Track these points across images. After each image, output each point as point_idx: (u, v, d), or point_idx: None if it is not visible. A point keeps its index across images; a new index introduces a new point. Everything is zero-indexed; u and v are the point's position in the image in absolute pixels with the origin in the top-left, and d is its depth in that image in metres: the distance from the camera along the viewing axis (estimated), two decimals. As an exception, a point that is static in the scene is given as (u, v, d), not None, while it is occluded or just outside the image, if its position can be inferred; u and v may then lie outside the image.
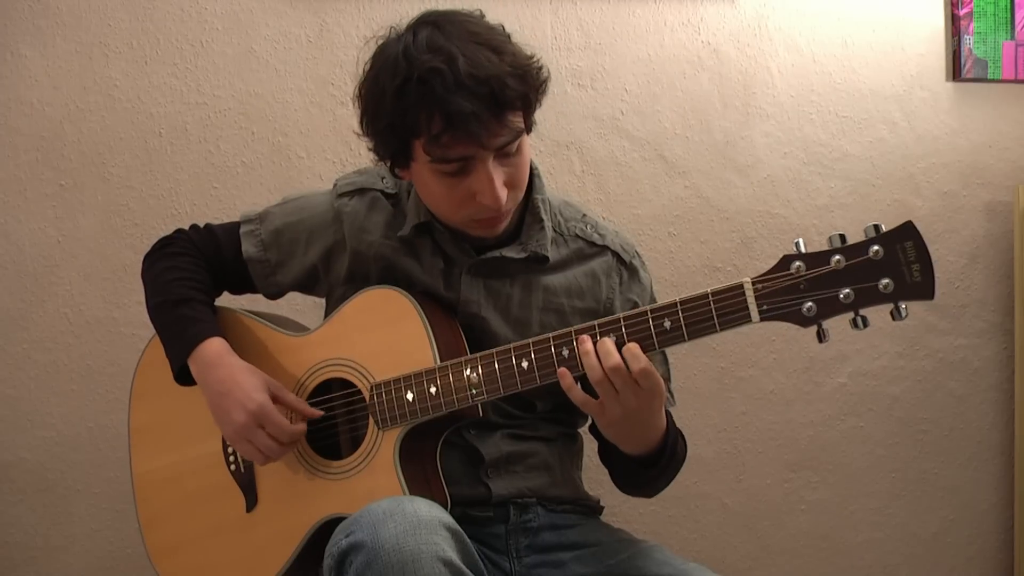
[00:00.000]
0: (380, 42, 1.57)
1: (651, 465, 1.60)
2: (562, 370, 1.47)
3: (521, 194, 1.62)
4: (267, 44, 2.36)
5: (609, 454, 1.72)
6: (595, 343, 1.45)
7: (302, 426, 1.63)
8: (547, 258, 1.68)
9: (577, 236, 1.73)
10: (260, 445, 1.61)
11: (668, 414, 1.60)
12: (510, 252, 1.66)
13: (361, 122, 1.58)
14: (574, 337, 1.47)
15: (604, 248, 1.74)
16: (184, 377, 1.69)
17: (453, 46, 1.47)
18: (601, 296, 1.72)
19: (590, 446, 1.80)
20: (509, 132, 1.51)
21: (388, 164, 1.62)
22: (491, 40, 1.51)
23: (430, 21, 1.52)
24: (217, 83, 2.35)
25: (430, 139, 1.48)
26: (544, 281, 1.69)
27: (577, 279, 1.71)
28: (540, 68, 1.55)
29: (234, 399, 1.61)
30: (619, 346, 1.44)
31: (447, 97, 1.44)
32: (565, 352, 1.48)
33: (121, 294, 2.33)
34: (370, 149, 1.60)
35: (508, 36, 1.55)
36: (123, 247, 2.33)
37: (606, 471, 1.76)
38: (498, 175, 1.52)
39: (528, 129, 1.58)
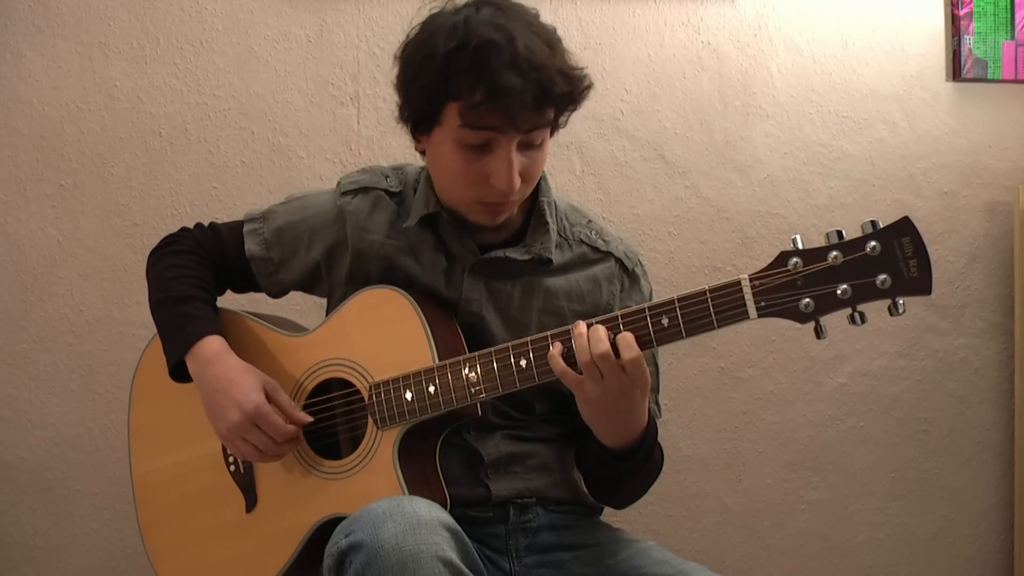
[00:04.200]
0: (433, 10, 1.58)
1: (624, 459, 1.59)
2: (555, 343, 1.49)
3: (531, 189, 1.63)
4: (267, 44, 2.36)
5: (585, 453, 1.71)
6: (589, 329, 1.46)
7: (296, 428, 1.64)
8: (550, 260, 1.68)
9: (581, 241, 1.73)
10: (255, 443, 1.61)
11: (652, 420, 1.60)
12: (514, 253, 1.66)
13: (399, 77, 1.60)
14: (572, 335, 1.47)
15: (608, 254, 1.74)
16: (180, 374, 1.70)
17: (513, 28, 1.50)
18: (601, 301, 1.72)
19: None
20: (543, 123, 1.54)
21: (410, 125, 1.62)
22: (548, 36, 1.55)
23: (492, 2, 1.55)
24: (217, 83, 2.35)
25: (469, 105, 1.49)
26: (546, 284, 1.70)
27: (579, 283, 1.71)
28: (585, 77, 1.57)
29: (229, 397, 1.61)
30: (613, 335, 1.45)
31: (499, 70, 1.46)
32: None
33: (121, 294, 2.33)
34: (398, 106, 1.62)
35: (560, 40, 1.58)
36: (123, 247, 2.33)
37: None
38: (516, 162, 1.54)
39: (553, 131, 1.60)
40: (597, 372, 1.45)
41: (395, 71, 1.61)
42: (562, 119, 1.59)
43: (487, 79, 1.47)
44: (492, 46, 1.47)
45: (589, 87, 1.58)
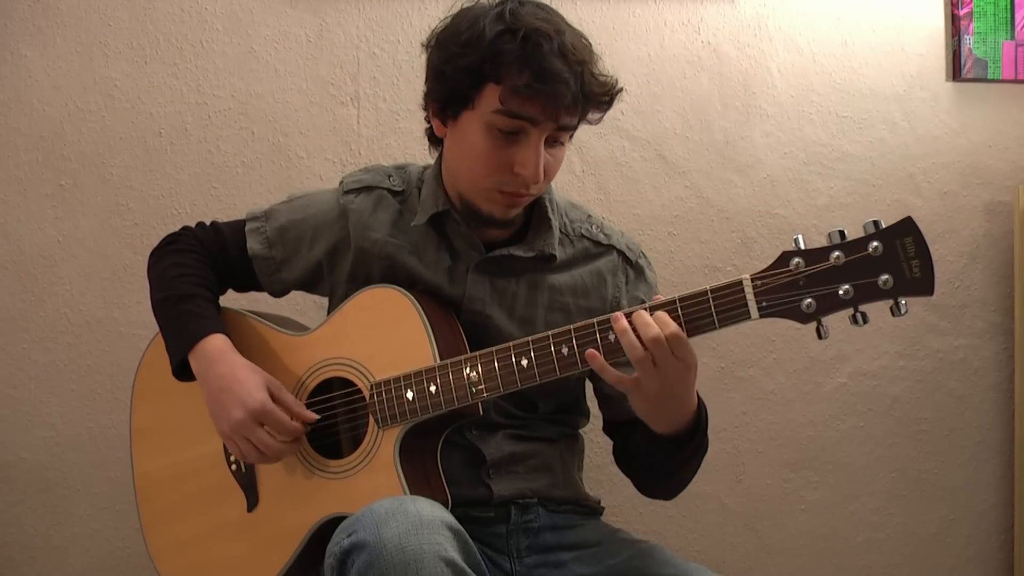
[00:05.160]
0: (465, 3, 1.61)
1: (683, 444, 1.56)
2: (591, 351, 1.44)
3: (545, 186, 1.65)
4: (267, 44, 2.36)
5: (631, 453, 1.70)
6: (631, 318, 1.41)
7: (300, 426, 1.63)
8: (554, 257, 1.69)
9: (583, 236, 1.74)
10: (257, 442, 1.61)
11: (700, 398, 1.59)
12: (518, 251, 1.67)
13: (434, 57, 1.61)
14: (572, 335, 1.47)
15: (610, 247, 1.75)
16: (183, 372, 1.70)
17: (559, 23, 1.55)
18: (607, 295, 1.73)
19: (591, 447, 1.80)
20: (576, 119, 1.57)
21: (437, 107, 1.63)
22: (585, 39, 1.59)
23: (531, 0, 1.58)
24: (217, 83, 2.35)
25: (512, 88, 1.51)
26: (550, 280, 1.70)
27: (583, 278, 1.72)
28: (617, 81, 1.60)
29: (234, 395, 1.61)
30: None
31: (548, 56, 1.49)
32: (564, 350, 1.48)
33: (121, 294, 2.33)
34: (426, 91, 1.64)
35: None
36: (123, 247, 2.33)
37: (606, 472, 1.75)
38: (542, 155, 1.56)
39: (571, 133, 1.63)
40: (651, 363, 1.40)
41: (426, 56, 1.63)
42: (592, 118, 1.60)
43: (536, 63, 1.49)
44: (541, 34, 1.50)
45: (620, 91, 1.60)
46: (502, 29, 1.51)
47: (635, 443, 1.68)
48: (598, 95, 1.55)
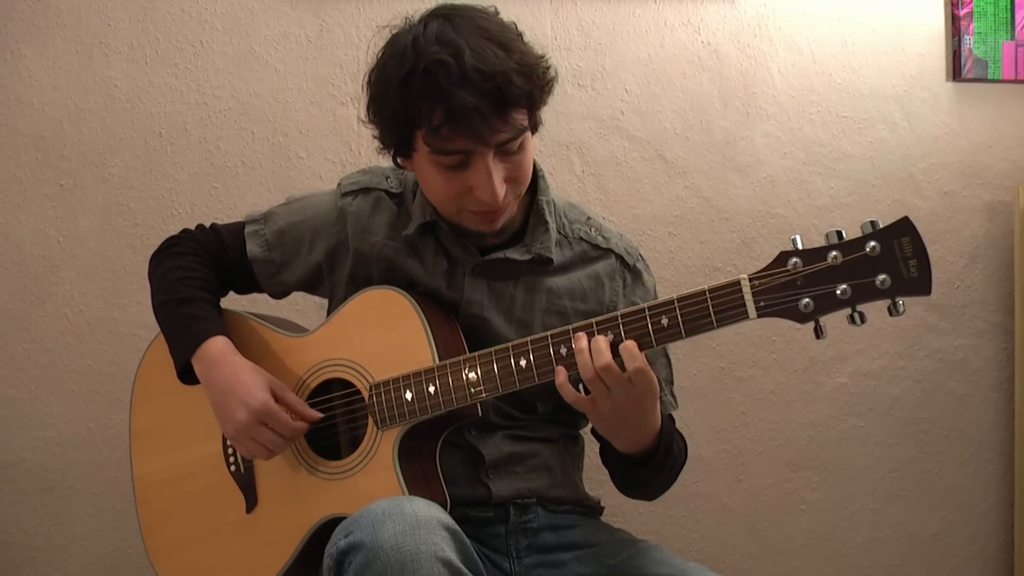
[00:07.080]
0: (393, 31, 1.57)
1: (643, 464, 1.60)
2: (559, 367, 1.48)
3: (522, 189, 1.62)
4: (267, 44, 2.36)
5: (607, 455, 1.72)
6: (590, 341, 1.45)
7: (304, 423, 1.64)
8: (551, 260, 1.68)
9: (581, 239, 1.73)
10: (263, 441, 1.61)
11: (670, 417, 1.61)
12: (514, 254, 1.66)
13: (368, 109, 1.59)
14: (572, 335, 1.47)
15: (608, 251, 1.74)
16: (188, 375, 1.70)
17: (461, 39, 1.46)
18: (604, 299, 1.72)
19: (591, 447, 1.80)
20: (511, 129, 1.50)
21: (391, 153, 1.62)
22: (500, 36, 1.50)
23: (442, 14, 1.53)
24: (217, 83, 2.35)
25: (430, 130, 1.48)
26: (548, 283, 1.70)
27: (580, 281, 1.71)
28: (548, 68, 1.55)
29: (237, 397, 1.61)
30: (616, 344, 1.44)
31: (450, 90, 1.44)
32: (563, 351, 1.48)
33: (121, 294, 2.33)
34: (375, 137, 1.61)
35: (519, 35, 1.55)
36: (123, 247, 2.33)
37: (606, 472, 1.75)
38: (497, 171, 1.52)
39: (533, 128, 1.58)
40: (603, 385, 1.44)
41: (365, 99, 1.60)
42: (537, 116, 1.57)
43: (441, 102, 1.45)
44: (440, 66, 1.45)
45: (552, 78, 1.56)
46: (405, 72, 1.48)
47: (608, 453, 1.70)
48: (522, 96, 1.50)
